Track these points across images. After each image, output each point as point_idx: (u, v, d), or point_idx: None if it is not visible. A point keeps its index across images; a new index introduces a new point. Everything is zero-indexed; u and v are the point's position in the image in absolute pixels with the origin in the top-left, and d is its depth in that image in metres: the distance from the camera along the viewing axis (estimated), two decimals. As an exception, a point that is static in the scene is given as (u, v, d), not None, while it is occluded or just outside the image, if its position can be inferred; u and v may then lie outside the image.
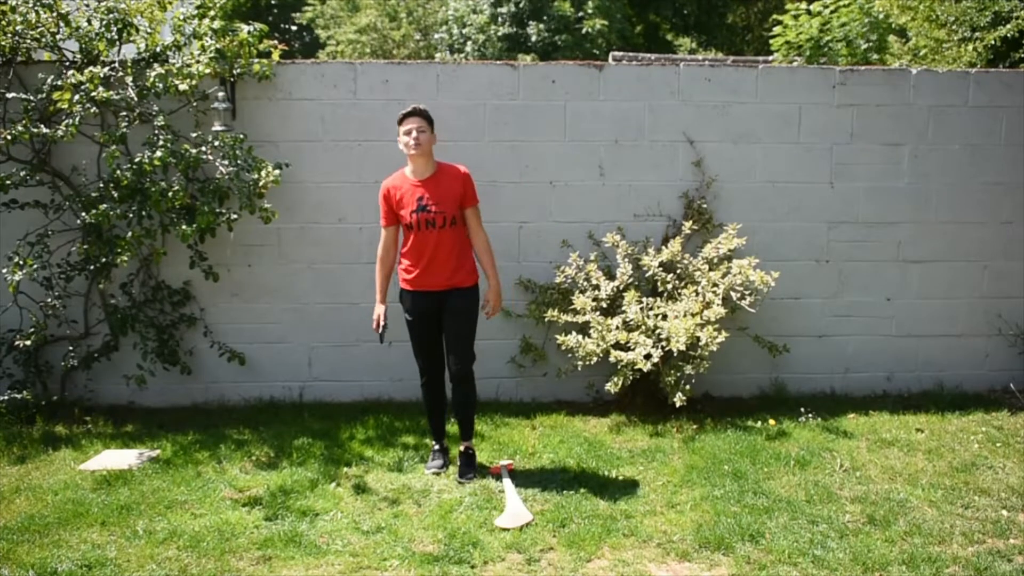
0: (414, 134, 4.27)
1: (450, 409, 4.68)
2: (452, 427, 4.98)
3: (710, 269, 5.42)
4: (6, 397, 5.21)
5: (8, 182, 5.09)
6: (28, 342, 5.22)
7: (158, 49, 5.37)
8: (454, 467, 4.56)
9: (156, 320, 5.54)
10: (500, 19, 18.10)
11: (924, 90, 5.75)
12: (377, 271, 4.52)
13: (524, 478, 4.43)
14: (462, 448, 4.53)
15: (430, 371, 4.51)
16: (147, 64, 5.35)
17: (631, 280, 5.41)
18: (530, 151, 5.67)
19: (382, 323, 4.43)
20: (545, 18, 17.71)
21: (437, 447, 4.62)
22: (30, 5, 5.21)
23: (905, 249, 5.86)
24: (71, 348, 5.45)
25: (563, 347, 5.33)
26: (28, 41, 5.28)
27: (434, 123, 4.39)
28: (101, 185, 5.20)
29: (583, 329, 5.37)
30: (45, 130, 5.06)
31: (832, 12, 9.81)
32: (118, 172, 5.02)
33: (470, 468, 4.44)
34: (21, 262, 5.00)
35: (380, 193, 4.45)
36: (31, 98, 5.13)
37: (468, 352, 4.42)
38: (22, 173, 5.20)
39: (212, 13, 5.42)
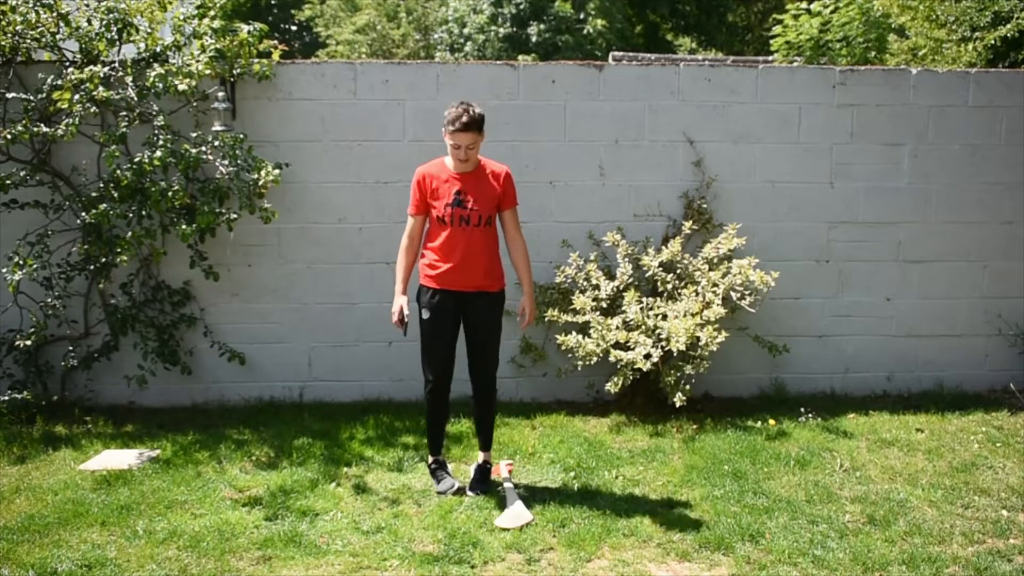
0: (463, 151, 4.03)
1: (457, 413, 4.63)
2: (451, 427, 4.98)
3: (710, 269, 5.42)
4: (6, 397, 5.20)
5: (8, 182, 5.09)
6: (28, 342, 5.22)
7: (158, 49, 5.36)
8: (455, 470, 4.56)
9: (156, 320, 5.54)
10: (500, 19, 18.12)
11: (924, 90, 5.75)
12: (399, 260, 4.25)
13: (524, 478, 4.43)
14: (480, 461, 4.36)
15: (441, 378, 4.22)
16: (147, 64, 5.34)
17: (631, 280, 5.41)
18: (530, 151, 5.67)
19: (405, 315, 4.14)
20: (546, 18, 17.72)
21: (435, 463, 4.36)
22: (30, 5, 5.21)
23: (905, 249, 5.86)
24: (71, 348, 5.45)
25: (563, 347, 5.33)
26: (28, 41, 5.27)
27: (484, 124, 4.11)
28: (101, 185, 5.20)
29: (583, 329, 5.37)
30: (45, 130, 5.06)
31: (832, 12, 9.81)
32: (118, 172, 5.02)
33: (485, 483, 4.29)
34: (21, 262, 5.00)
35: (414, 179, 4.19)
36: (31, 98, 5.13)
37: (495, 362, 4.29)
38: (22, 173, 5.20)
39: (212, 13, 5.41)
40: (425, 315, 4.19)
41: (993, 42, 7.83)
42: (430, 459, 4.41)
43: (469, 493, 4.23)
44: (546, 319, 5.45)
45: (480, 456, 4.40)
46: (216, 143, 5.19)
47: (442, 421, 4.40)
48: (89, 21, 5.31)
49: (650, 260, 5.40)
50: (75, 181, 5.40)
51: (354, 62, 5.65)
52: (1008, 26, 7.67)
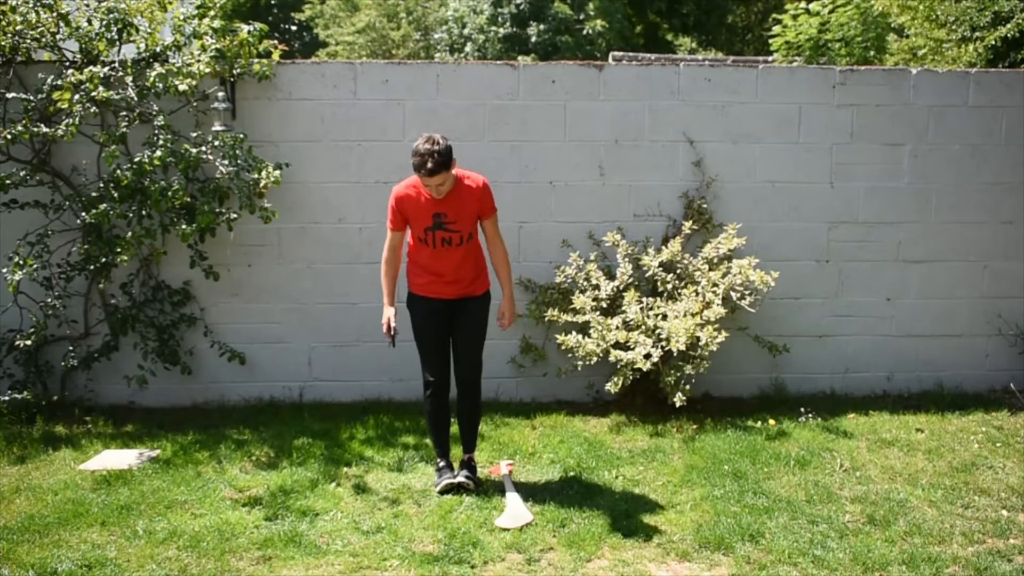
0: (435, 190, 4.01)
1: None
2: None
3: (710, 269, 5.42)
4: (6, 397, 5.21)
5: (8, 182, 5.09)
6: (28, 342, 5.22)
7: (158, 49, 5.37)
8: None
9: (156, 320, 5.54)
10: (500, 19, 18.12)
11: (924, 90, 5.75)
12: (383, 274, 4.29)
13: (524, 478, 4.43)
14: (465, 459, 4.37)
15: (439, 381, 4.29)
16: (147, 64, 5.35)
17: (631, 280, 5.41)
18: (530, 151, 5.67)
19: (392, 327, 4.21)
20: (546, 18, 17.72)
21: (443, 463, 4.35)
22: (30, 5, 5.21)
23: (905, 249, 5.86)
24: (71, 348, 5.44)
25: (563, 347, 5.33)
26: (28, 41, 5.28)
27: (452, 156, 3.98)
28: (101, 185, 5.20)
29: (583, 329, 5.37)
30: (45, 130, 5.06)
31: (831, 12, 9.83)
32: (118, 172, 5.02)
33: (473, 473, 4.32)
34: (21, 262, 5.00)
35: (392, 198, 4.19)
36: (31, 98, 5.13)
37: (478, 360, 4.32)
38: (22, 173, 5.20)
39: (212, 13, 5.41)
40: (418, 323, 4.27)
41: (993, 42, 7.83)
42: (439, 461, 4.39)
43: (459, 478, 4.22)
44: (546, 319, 5.46)
45: (464, 456, 4.39)
46: (216, 143, 5.19)
47: (444, 423, 4.40)
48: (89, 21, 5.31)
49: (650, 260, 5.40)
50: (75, 181, 5.40)
51: (354, 62, 5.65)
52: (1008, 26, 7.67)
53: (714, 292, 5.25)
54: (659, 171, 5.72)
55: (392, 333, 4.22)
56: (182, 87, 5.17)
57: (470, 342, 4.30)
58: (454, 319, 4.28)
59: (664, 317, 5.22)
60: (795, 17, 10.22)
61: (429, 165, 3.91)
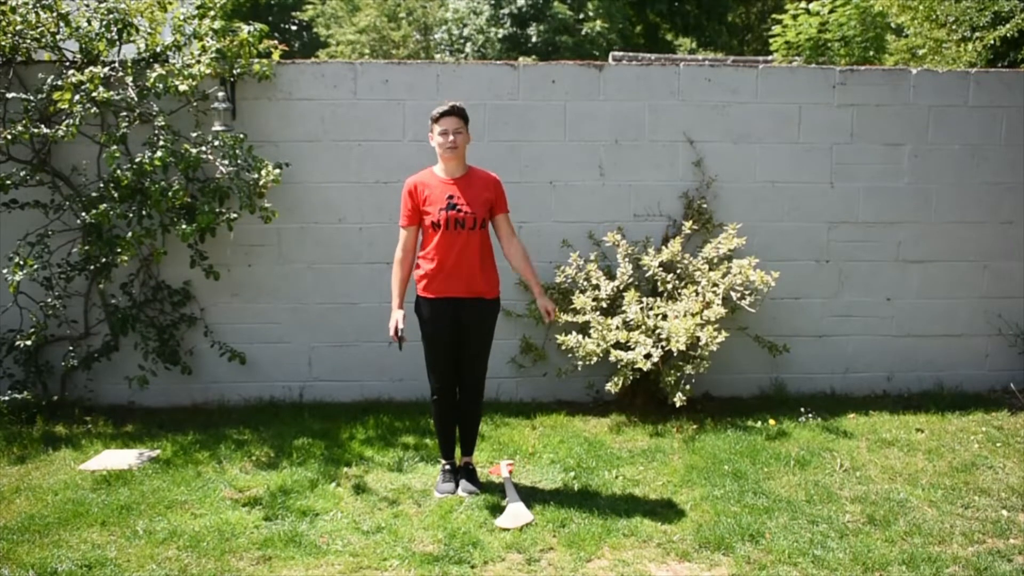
0: (451, 137, 4.04)
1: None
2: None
3: (710, 269, 5.42)
4: (6, 397, 5.21)
5: (8, 182, 5.09)
6: (28, 342, 5.22)
7: (158, 49, 5.37)
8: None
9: (156, 320, 5.54)
10: (500, 20, 18.14)
11: (924, 90, 5.75)
12: (394, 273, 4.22)
13: (524, 478, 4.43)
14: (463, 463, 4.38)
15: (445, 387, 4.25)
16: (147, 64, 5.35)
17: (631, 280, 5.41)
18: (530, 151, 5.67)
19: (400, 329, 4.16)
20: (546, 19, 17.75)
21: (448, 466, 4.34)
22: (30, 5, 5.21)
23: (905, 249, 5.86)
24: (71, 348, 5.44)
25: (563, 347, 5.33)
26: (28, 41, 5.28)
27: (468, 118, 4.15)
28: (101, 185, 5.20)
29: (583, 329, 5.37)
30: (45, 130, 5.06)
31: (830, 12, 9.85)
32: (118, 172, 5.02)
33: (474, 481, 4.31)
34: (21, 262, 5.00)
35: (405, 189, 4.17)
36: (31, 98, 5.13)
37: (484, 368, 4.31)
38: (22, 173, 5.21)
39: (212, 13, 5.41)
40: (425, 329, 4.20)
41: (993, 42, 7.84)
42: (443, 462, 4.39)
43: (460, 492, 4.23)
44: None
45: (462, 460, 4.39)
46: (216, 143, 5.19)
47: (451, 427, 4.38)
48: (89, 21, 5.31)
49: (650, 260, 5.40)
50: (75, 181, 5.40)
51: (354, 62, 5.65)
52: (1008, 26, 7.68)
53: (714, 292, 5.25)
54: (659, 171, 5.72)
55: (400, 336, 4.18)
56: (182, 87, 5.17)
57: (477, 352, 4.26)
58: (463, 325, 4.18)
59: (664, 317, 5.22)
60: (795, 17, 10.24)
61: (448, 105, 4.09)
